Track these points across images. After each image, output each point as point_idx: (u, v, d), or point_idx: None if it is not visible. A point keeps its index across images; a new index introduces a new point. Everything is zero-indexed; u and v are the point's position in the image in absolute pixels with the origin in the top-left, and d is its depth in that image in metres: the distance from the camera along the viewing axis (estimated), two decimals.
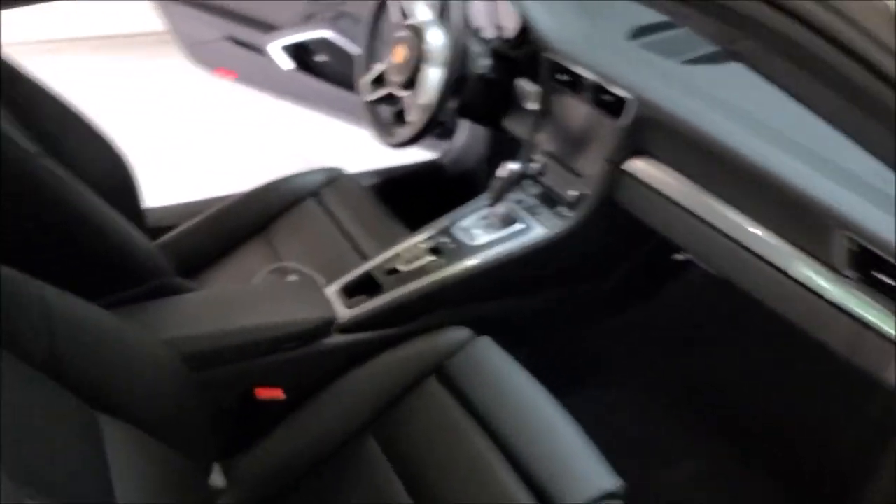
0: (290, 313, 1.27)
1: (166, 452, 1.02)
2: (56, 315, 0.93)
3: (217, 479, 1.18)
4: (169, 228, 1.76)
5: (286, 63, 2.40)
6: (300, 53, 2.45)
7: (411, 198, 1.94)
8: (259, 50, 2.48)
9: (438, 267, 1.36)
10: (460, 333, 1.29)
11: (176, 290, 1.29)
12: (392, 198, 1.90)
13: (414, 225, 1.69)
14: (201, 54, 2.83)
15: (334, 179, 1.83)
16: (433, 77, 1.47)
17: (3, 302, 0.88)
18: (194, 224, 1.75)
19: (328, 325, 1.28)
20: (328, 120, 2.74)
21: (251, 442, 1.22)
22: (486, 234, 1.40)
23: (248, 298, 1.31)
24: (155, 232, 1.73)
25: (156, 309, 1.23)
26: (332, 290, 1.37)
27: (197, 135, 2.83)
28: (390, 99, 1.64)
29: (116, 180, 1.60)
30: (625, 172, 1.25)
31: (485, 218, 1.43)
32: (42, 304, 0.92)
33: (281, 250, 1.68)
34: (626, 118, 1.21)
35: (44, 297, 0.92)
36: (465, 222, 1.44)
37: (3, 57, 1.42)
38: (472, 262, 1.35)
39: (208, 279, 1.68)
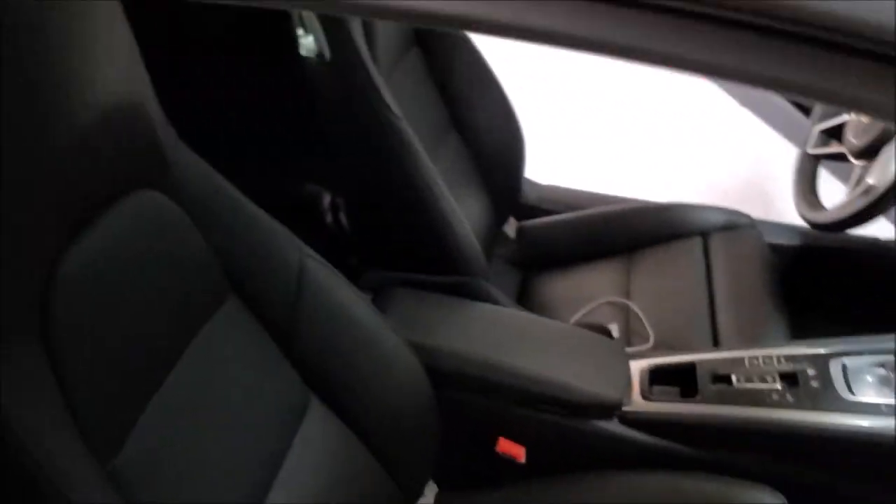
0: (574, 376, 1.06)
1: (368, 461, 0.94)
2: (308, 283, 0.88)
3: None
4: (543, 211, 1.66)
5: None
6: None
7: (823, 281, 1.51)
8: None
9: (783, 405, 1.00)
10: (772, 501, 0.95)
11: (476, 295, 1.19)
12: (799, 271, 1.51)
13: (801, 320, 1.31)
14: None
15: (734, 227, 1.51)
16: None
17: (263, 256, 0.86)
18: (566, 218, 1.61)
19: (609, 409, 1.05)
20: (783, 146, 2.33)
21: (473, 486, 1.08)
22: (872, 392, 0.98)
23: (537, 337, 1.13)
24: (527, 210, 1.65)
25: (434, 306, 1.14)
26: (638, 366, 1.12)
27: (629, 120, 2.65)
28: (838, 159, 1.26)
29: (506, 149, 1.54)
30: None
31: (882, 367, 1.01)
32: (299, 269, 0.88)
33: (633, 283, 1.45)
34: None
35: (303, 263, 0.88)
36: (854, 361, 1.03)
37: None
38: (832, 419, 0.97)
39: (548, 281, 1.55)
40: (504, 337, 1.11)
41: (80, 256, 0.64)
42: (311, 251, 0.90)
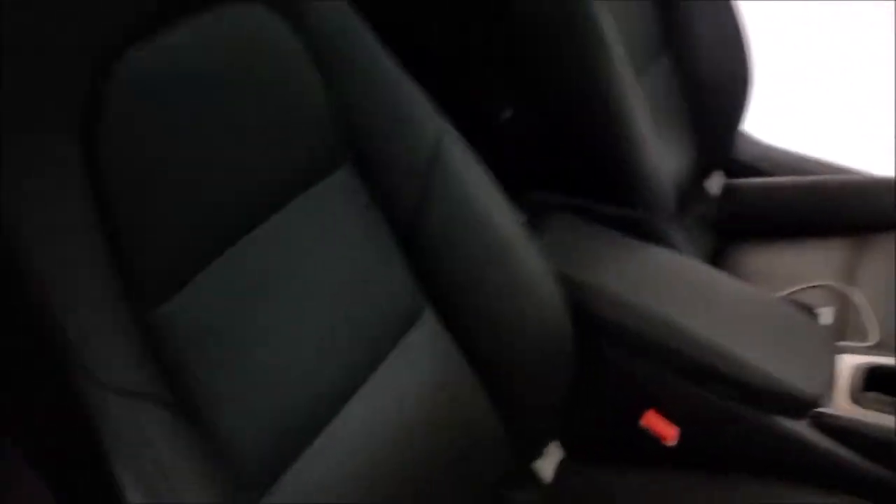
0: (763, 356, 0.83)
1: (480, 402, 0.78)
2: (443, 168, 0.73)
3: (546, 468, 0.90)
4: (756, 172, 1.39)
5: None
6: None
7: None
8: None
9: None
10: None
11: (655, 236, 0.97)
12: None
13: None
14: None
15: None
16: None
17: (395, 121, 0.72)
18: (784, 182, 1.34)
19: (802, 406, 0.80)
20: None
21: (604, 457, 0.89)
22: None
23: (723, 299, 0.90)
24: (737, 167, 1.39)
25: (598, 239, 0.94)
26: (851, 362, 0.86)
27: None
28: None
29: (727, 87, 1.30)
30: None
31: None
32: (436, 147, 0.72)
33: (859, 270, 1.16)
34: None
35: (441, 142, 0.72)
36: None
37: None
38: None
39: (750, 253, 1.29)
40: (680, 291, 0.89)
41: (151, 57, 0.52)
42: (453, 129, 0.74)
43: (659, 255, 0.95)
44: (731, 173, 1.40)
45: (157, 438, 0.47)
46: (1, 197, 0.45)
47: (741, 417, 0.82)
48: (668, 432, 0.85)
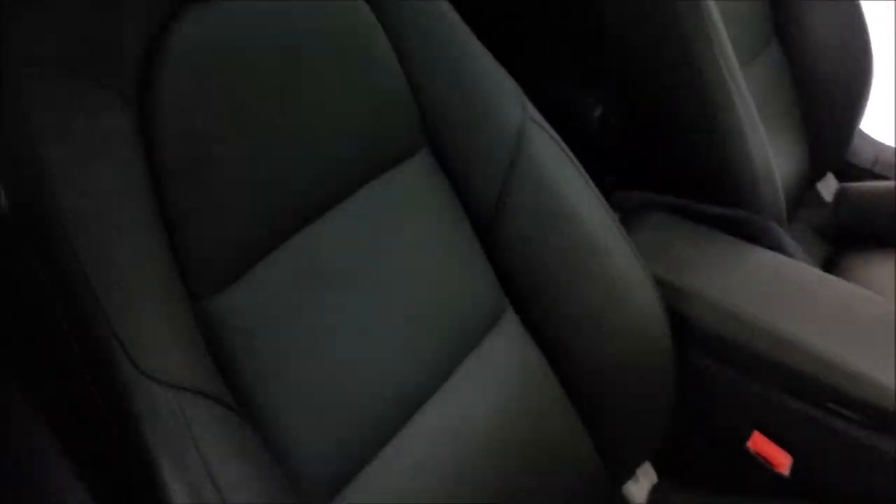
0: (892, 375, 0.72)
1: (567, 416, 0.71)
2: (527, 156, 0.66)
3: (638, 492, 0.82)
4: (874, 176, 1.26)
5: None
6: None
7: None
8: None
9: None
10: None
11: (761, 238, 0.88)
12: None
13: None
14: None
15: None
16: None
17: (475, 106, 0.66)
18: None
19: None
20: None
21: (705, 483, 0.80)
22: None
23: (843, 310, 0.79)
24: (853, 171, 1.27)
25: (699, 240, 0.85)
26: None
27: None
28: None
29: (845, 81, 1.18)
30: None
31: None
32: (518, 134, 0.66)
33: None
34: None
35: (524, 128, 0.66)
36: None
37: None
38: None
39: (868, 263, 1.16)
40: (793, 299, 0.79)
41: (208, 23, 0.48)
42: (539, 116, 0.68)
43: (767, 258, 0.85)
44: (842, 175, 1.28)
45: (203, 436, 0.42)
46: (45, 165, 0.41)
47: (867, 446, 0.72)
48: (780, 459, 0.75)
